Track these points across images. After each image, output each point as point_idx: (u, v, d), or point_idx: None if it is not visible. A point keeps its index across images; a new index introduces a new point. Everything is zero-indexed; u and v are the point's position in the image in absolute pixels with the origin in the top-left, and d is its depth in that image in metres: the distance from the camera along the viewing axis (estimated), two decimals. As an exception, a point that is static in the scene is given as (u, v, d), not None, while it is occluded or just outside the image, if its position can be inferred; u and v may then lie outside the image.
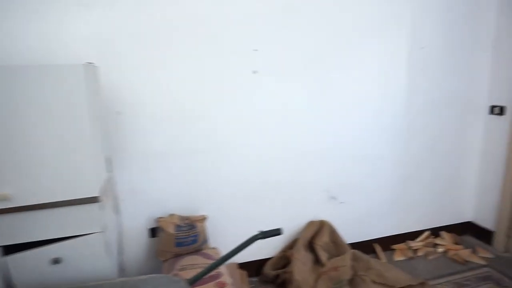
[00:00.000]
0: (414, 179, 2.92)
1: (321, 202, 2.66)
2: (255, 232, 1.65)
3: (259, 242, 1.70)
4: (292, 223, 2.61)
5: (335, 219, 2.66)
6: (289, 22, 2.27)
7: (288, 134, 2.44)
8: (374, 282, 2.39)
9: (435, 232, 3.10)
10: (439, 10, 2.63)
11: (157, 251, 2.09)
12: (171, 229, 2.03)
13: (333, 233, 2.61)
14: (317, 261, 2.45)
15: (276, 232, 1.73)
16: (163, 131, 2.13)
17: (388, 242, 2.94)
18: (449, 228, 3.14)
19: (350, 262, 2.43)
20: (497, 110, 2.88)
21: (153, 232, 2.21)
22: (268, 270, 2.50)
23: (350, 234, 2.75)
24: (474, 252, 2.91)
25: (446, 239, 3.02)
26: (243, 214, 2.44)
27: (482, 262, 2.78)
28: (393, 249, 2.92)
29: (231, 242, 1.88)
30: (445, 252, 2.91)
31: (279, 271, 2.45)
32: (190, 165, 2.24)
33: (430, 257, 2.85)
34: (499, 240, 2.95)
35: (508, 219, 2.88)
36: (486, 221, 3.07)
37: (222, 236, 2.35)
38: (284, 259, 2.52)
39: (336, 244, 2.58)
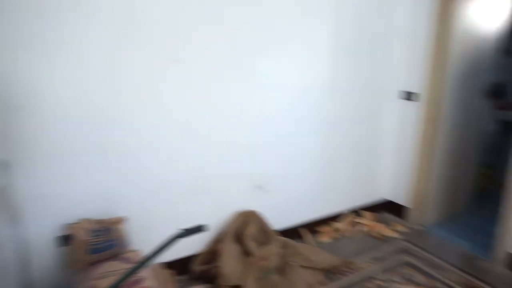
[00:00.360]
0: (336, 163, 3.02)
1: (248, 192, 2.64)
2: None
3: (186, 238, 1.61)
4: (219, 215, 2.55)
5: (263, 208, 2.65)
6: (207, 9, 2.16)
7: (209, 127, 2.35)
8: (302, 266, 2.44)
9: (357, 212, 3.27)
10: (355, -1, 2.73)
11: (68, 261, 1.90)
12: (83, 235, 1.85)
13: (261, 222, 2.60)
14: (246, 252, 2.43)
15: (198, 229, 1.65)
16: (73, 129, 1.92)
17: (314, 226, 3.02)
18: (370, 207, 3.33)
19: (278, 250, 2.45)
20: (409, 96, 3.08)
21: (65, 240, 2.00)
22: (196, 266, 2.42)
23: (279, 221, 2.77)
24: (392, 228, 3.12)
25: (367, 218, 3.19)
26: (169, 212, 2.32)
27: (399, 236, 3.00)
28: (320, 232, 3.01)
29: (158, 242, 1.76)
30: (366, 230, 3.07)
31: (208, 266, 2.39)
32: (105, 165, 2.06)
33: (353, 236, 2.99)
34: (413, 215, 3.19)
35: (420, 195, 3.12)
36: (401, 198, 3.31)
37: (147, 237, 2.21)
38: (212, 253, 2.46)
39: (265, 233, 2.59)
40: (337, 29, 2.70)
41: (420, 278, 2.47)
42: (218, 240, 2.50)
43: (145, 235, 2.17)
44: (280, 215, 2.81)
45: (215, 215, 2.53)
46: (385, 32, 2.97)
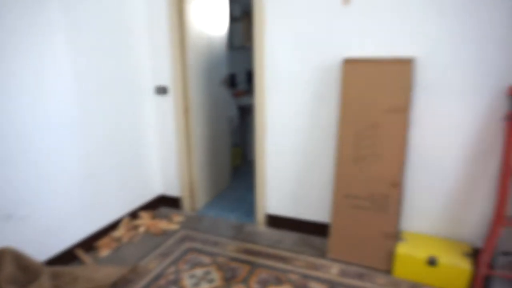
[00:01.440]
0: (101, 171, 2.79)
1: (-7, 226, 2.08)
2: None
3: None
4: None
5: (18, 241, 2.15)
6: None
7: None
8: (85, 290, 2.14)
9: (135, 214, 3.14)
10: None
11: None
12: None
13: (18, 258, 2.10)
14: (5, 301, 1.91)
15: None
16: None
17: (91, 242, 2.71)
18: (145, 207, 3.27)
19: (50, 283, 2.06)
20: (163, 90, 3.16)
21: None
22: None
23: (45, 249, 2.33)
24: (171, 221, 3.18)
25: (144, 218, 3.12)
26: None
27: (178, 227, 3.08)
28: (98, 247, 2.73)
29: None
30: (146, 230, 3.00)
31: None
32: None
33: (135, 240, 2.87)
34: (186, 203, 3.35)
35: (188, 183, 3.30)
36: (173, 190, 3.40)
37: None
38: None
39: (26, 270, 2.10)
40: (77, 36, 2.45)
41: (205, 258, 2.63)
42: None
43: None
44: (46, 242, 2.37)
45: None
46: (127, 30, 2.92)
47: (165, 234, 2.97)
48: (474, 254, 2.29)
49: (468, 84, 2.18)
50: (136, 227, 3.02)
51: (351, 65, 2.35)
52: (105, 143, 2.80)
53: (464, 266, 2.17)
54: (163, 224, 3.07)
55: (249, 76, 4.90)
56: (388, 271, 2.41)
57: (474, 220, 2.35)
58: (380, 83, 2.27)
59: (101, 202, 2.81)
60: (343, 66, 2.36)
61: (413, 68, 2.24)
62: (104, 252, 2.69)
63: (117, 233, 2.88)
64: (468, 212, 2.36)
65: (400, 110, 2.24)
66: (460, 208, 2.37)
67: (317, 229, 2.84)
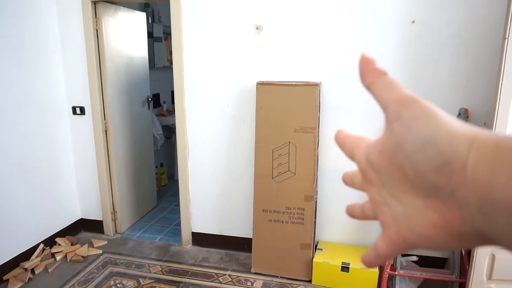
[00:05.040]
0: (12, 197, 2.61)
1: None
2: None
3: None
4: None
5: None
6: None
7: None
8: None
9: (51, 241, 2.97)
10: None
11: None
12: None
13: None
14: None
15: None
16: None
17: (-2, 276, 2.51)
18: (63, 232, 3.10)
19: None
20: (78, 110, 3.07)
21: None
22: None
23: None
24: (92, 245, 3.05)
25: (63, 245, 2.97)
26: None
27: (99, 252, 2.97)
28: (7, 280, 2.53)
29: None
30: (64, 257, 2.86)
31: None
32: None
33: (51, 269, 2.71)
34: (108, 226, 3.25)
35: (110, 205, 3.22)
36: (94, 213, 3.28)
37: None
38: None
39: None
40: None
41: (129, 282, 2.58)
42: None
43: None
44: None
45: None
46: (38, 49, 2.81)
47: (86, 260, 2.85)
48: (380, 258, 2.54)
49: (366, 107, 2.46)
50: (53, 255, 2.86)
51: (264, 87, 2.53)
52: (17, 168, 2.64)
53: (373, 269, 2.41)
54: (83, 250, 2.94)
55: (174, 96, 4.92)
56: (308, 280, 2.58)
57: (379, 228, 2.62)
58: (291, 105, 2.48)
59: (11, 230, 2.62)
60: (257, 88, 2.53)
61: (320, 92, 2.48)
62: (15, 285, 2.50)
63: (30, 263, 2.70)
64: (371, 222, 2.63)
65: (309, 130, 2.45)
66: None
67: (242, 245, 2.94)
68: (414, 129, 0.25)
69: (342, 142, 0.34)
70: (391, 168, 0.28)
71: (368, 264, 0.32)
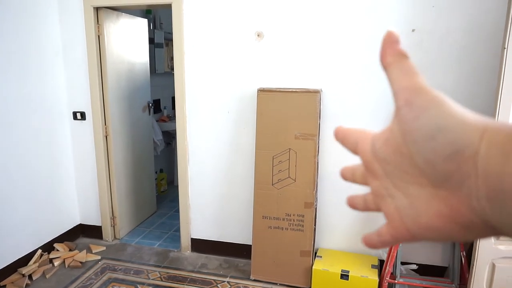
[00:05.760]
0: (9, 202, 2.61)
1: None
2: None
3: None
4: None
5: None
6: None
7: None
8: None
9: (49, 247, 2.95)
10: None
11: None
12: None
13: None
14: None
15: None
16: None
17: (-5, 281, 2.50)
18: (62, 238, 3.09)
19: None
20: (79, 116, 3.07)
21: None
22: None
23: None
24: (91, 251, 3.04)
25: (61, 250, 2.95)
26: None
27: (98, 257, 2.96)
28: (4, 286, 2.52)
29: None
30: (62, 263, 2.84)
31: None
32: None
33: (49, 275, 2.69)
34: (107, 232, 3.24)
35: (109, 211, 3.21)
36: (93, 219, 3.27)
37: None
38: None
39: None
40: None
41: (126, 288, 2.57)
42: None
43: None
44: None
45: None
46: (40, 55, 2.83)
47: (84, 266, 2.84)
48: (381, 266, 2.54)
49: (366, 114, 2.47)
50: (51, 261, 2.84)
51: (264, 94, 2.54)
52: (16, 173, 2.63)
53: (372, 277, 2.40)
54: (81, 256, 2.93)
55: (175, 102, 4.92)
56: (308, 287, 2.57)
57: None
58: (291, 111, 2.48)
59: (9, 235, 2.61)
60: (257, 95, 2.54)
61: (321, 99, 2.49)
62: (13, 290, 2.49)
63: (27, 268, 2.68)
64: (371, 228, 2.62)
65: (310, 136, 2.45)
66: (364, 224, 2.63)
67: (241, 251, 2.93)
68: (425, 116, 0.25)
69: (343, 136, 0.33)
70: (398, 157, 0.27)
71: (369, 246, 0.31)
